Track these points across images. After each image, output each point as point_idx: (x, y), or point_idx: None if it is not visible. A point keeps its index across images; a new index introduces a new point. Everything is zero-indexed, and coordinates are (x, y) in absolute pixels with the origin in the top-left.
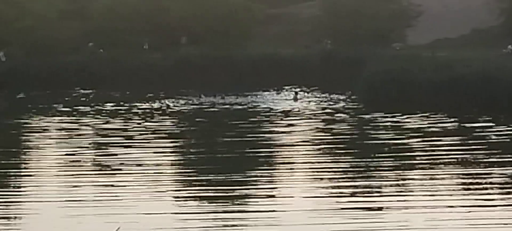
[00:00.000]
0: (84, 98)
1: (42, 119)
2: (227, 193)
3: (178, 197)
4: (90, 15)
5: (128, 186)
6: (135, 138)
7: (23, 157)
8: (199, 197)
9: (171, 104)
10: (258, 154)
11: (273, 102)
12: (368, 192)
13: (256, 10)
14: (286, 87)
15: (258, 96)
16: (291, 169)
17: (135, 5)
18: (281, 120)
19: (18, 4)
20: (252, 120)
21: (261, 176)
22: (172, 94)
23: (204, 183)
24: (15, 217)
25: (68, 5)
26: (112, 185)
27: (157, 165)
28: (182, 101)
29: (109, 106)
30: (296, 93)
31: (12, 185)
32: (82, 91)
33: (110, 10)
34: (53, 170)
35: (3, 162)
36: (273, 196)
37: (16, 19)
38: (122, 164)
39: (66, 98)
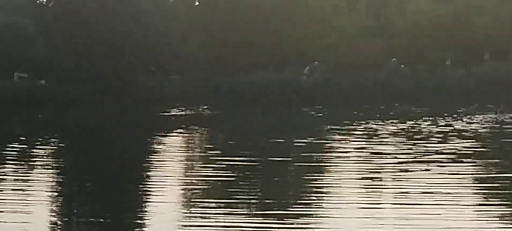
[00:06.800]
0: (380, 115)
1: (342, 137)
2: None
3: (481, 228)
4: (393, 32)
5: (428, 213)
6: (433, 159)
7: (322, 172)
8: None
9: (473, 123)
10: None
11: None
12: None
13: None
14: None
15: None
16: None
17: (438, 21)
18: None
19: (325, 21)
20: None
21: None
22: (474, 112)
23: (507, 218)
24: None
25: (372, 22)
26: (412, 214)
27: (452, 193)
28: (484, 119)
29: (410, 123)
30: None
31: (309, 199)
32: (381, 107)
33: (414, 27)
34: (351, 190)
35: (305, 177)
36: None
37: (322, 36)
38: (426, 188)
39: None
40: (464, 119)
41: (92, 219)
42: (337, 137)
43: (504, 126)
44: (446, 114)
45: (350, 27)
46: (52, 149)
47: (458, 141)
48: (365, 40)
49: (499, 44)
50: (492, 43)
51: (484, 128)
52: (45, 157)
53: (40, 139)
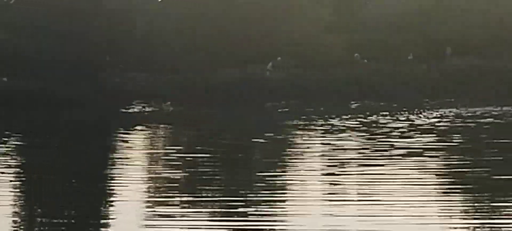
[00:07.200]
0: (342, 110)
1: (306, 133)
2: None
3: (444, 223)
4: (357, 27)
5: (391, 209)
6: (394, 154)
7: (285, 168)
8: (467, 224)
9: (434, 117)
10: None
11: None
12: None
13: None
14: None
15: None
16: None
17: (401, 16)
18: None
19: (289, 17)
20: None
21: None
22: (435, 107)
23: (470, 212)
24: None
25: (336, 18)
26: (376, 209)
27: (414, 187)
28: (444, 114)
29: (372, 118)
30: None
31: (274, 197)
32: (343, 102)
33: (377, 22)
34: (313, 186)
35: (268, 173)
36: None
37: (286, 31)
38: (388, 183)
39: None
40: (425, 114)
41: (55, 220)
42: (300, 132)
43: (465, 121)
44: (406, 109)
45: (314, 23)
46: (11, 148)
47: (419, 136)
48: (328, 35)
49: (461, 39)
50: (454, 38)
51: (445, 122)
52: (4, 157)
53: None
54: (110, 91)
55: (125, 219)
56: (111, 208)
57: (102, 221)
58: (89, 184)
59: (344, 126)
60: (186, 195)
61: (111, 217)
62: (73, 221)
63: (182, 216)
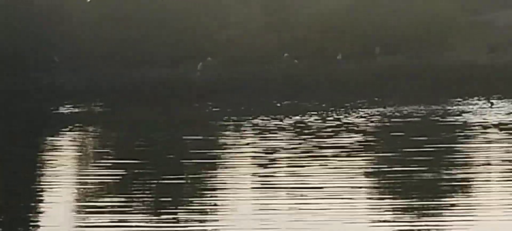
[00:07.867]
0: (271, 110)
1: (233, 133)
2: (422, 221)
3: (373, 223)
4: (287, 27)
5: (321, 208)
6: (323, 153)
7: (215, 169)
8: (395, 223)
9: (361, 117)
10: (453, 175)
11: (471, 113)
12: None
13: (453, 18)
14: (485, 97)
15: (455, 107)
16: (488, 191)
17: (331, 16)
18: (480, 133)
19: (219, 16)
20: (447, 134)
21: (457, 202)
22: (362, 106)
23: (399, 211)
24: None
25: (267, 18)
26: (306, 208)
27: (344, 187)
28: (371, 113)
29: (300, 118)
30: (491, 103)
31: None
32: (273, 102)
33: (307, 22)
34: (243, 186)
35: (197, 174)
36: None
37: (216, 31)
38: (318, 184)
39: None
40: (353, 113)
41: None
42: (228, 132)
43: (392, 119)
44: (334, 108)
45: (245, 23)
46: None
47: (346, 135)
48: (259, 35)
49: (389, 39)
50: (383, 38)
51: (373, 122)
52: None
53: None
54: (39, 91)
55: (55, 222)
56: (41, 210)
57: (32, 224)
58: (16, 188)
59: (273, 126)
60: (115, 197)
61: (41, 218)
62: (1, 229)
63: (111, 221)
